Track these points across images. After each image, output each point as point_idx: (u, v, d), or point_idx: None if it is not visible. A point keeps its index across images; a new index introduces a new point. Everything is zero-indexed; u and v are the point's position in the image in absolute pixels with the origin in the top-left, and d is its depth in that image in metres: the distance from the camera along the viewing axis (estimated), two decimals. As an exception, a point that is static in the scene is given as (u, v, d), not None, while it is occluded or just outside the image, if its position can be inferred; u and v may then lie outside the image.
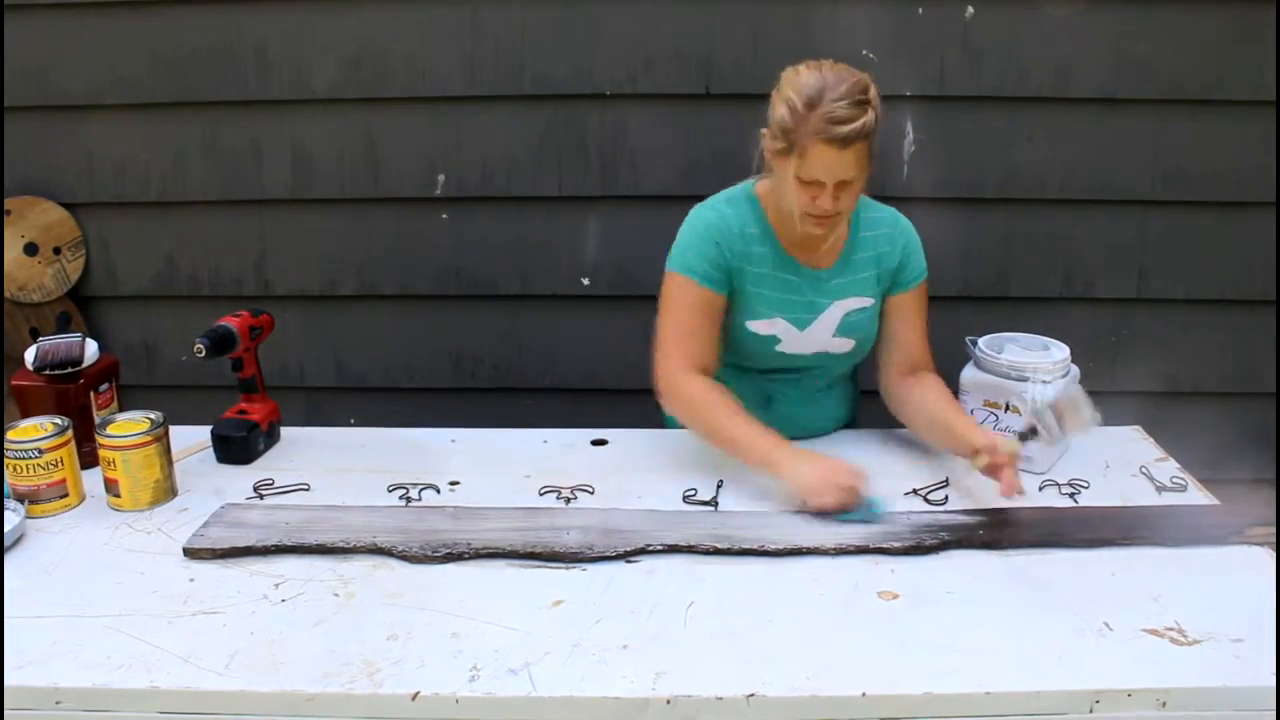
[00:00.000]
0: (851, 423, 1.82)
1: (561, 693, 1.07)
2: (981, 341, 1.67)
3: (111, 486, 1.47)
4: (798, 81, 1.46)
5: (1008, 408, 1.60)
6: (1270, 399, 2.47)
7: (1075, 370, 1.65)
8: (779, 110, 1.48)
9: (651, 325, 2.50)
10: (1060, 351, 1.64)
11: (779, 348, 1.64)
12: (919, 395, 1.63)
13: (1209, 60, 2.28)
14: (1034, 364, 1.60)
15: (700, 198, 2.48)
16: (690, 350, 1.59)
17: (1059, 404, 1.47)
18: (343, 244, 2.48)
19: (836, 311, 1.64)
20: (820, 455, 1.49)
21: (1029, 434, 1.48)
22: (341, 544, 1.35)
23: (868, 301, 1.65)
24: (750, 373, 1.69)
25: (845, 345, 1.66)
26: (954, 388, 1.66)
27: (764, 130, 1.53)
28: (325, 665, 1.11)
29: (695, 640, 1.17)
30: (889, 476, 1.57)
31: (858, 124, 1.41)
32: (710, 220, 1.63)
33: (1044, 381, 1.58)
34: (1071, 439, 1.55)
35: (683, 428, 1.64)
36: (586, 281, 2.48)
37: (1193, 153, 2.35)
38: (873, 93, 1.46)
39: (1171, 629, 1.17)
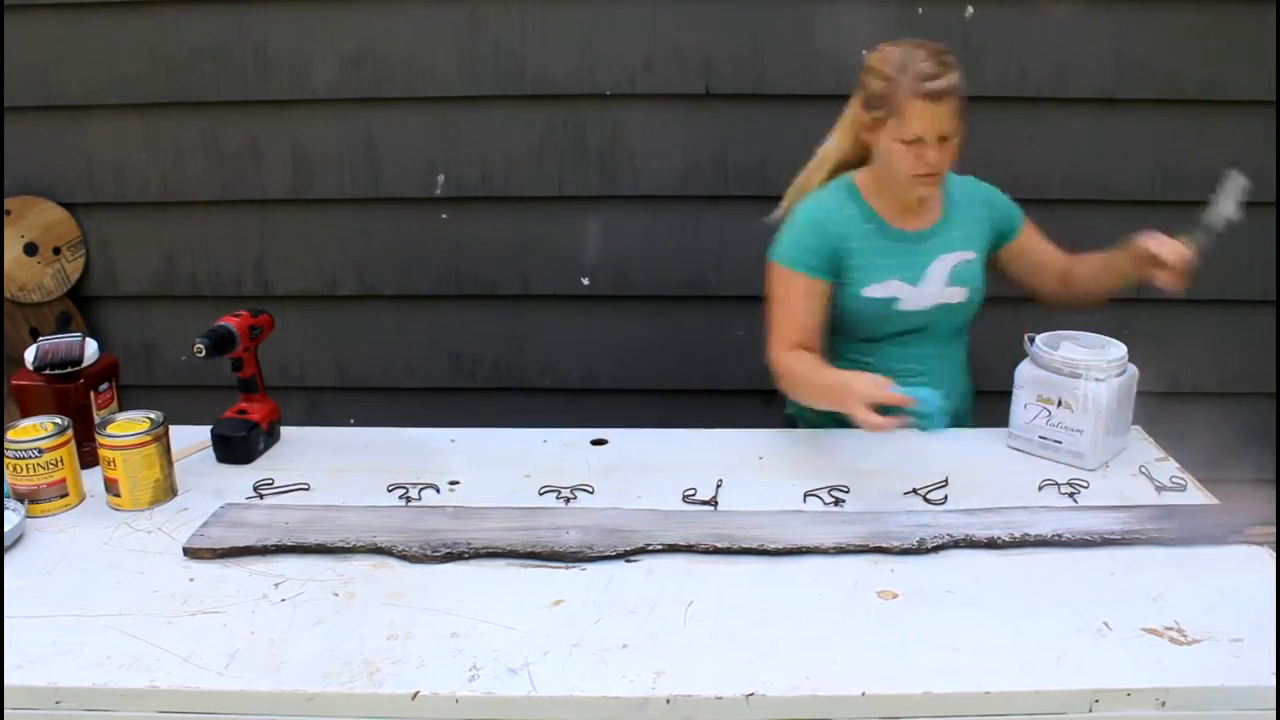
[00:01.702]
0: (970, 404, 1.89)
1: (561, 692, 1.07)
2: (1039, 338, 1.69)
3: (111, 486, 1.47)
4: (883, 56, 1.63)
5: (1060, 403, 1.61)
6: (1270, 399, 2.47)
7: (1133, 370, 1.66)
8: (872, 84, 1.63)
9: (650, 325, 2.52)
10: (1117, 350, 1.65)
11: (898, 307, 1.75)
12: (1077, 268, 1.82)
13: (1209, 60, 2.28)
14: (1088, 361, 1.61)
15: (700, 198, 2.49)
16: (790, 332, 1.71)
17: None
18: (343, 244, 2.49)
19: (945, 263, 1.75)
20: (853, 376, 1.54)
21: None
22: (341, 544, 1.35)
23: (970, 254, 1.78)
24: (872, 343, 1.78)
25: (959, 294, 1.77)
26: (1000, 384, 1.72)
27: (858, 115, 1.69)
28: (325, 665, 1.11)
29: (695, 640, 1.17)
30: (889, 476, 1.57)
31: (947, 79, 1.57)
32: (811, 213, 1.76)
33: (1098, 379, 1.59)
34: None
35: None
36: (586, 281, 2.48)
37: (1193, 153, 2.35)
38: (952, 57, 1.60)
39: (1171, 629, 1.17)
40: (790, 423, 1.90)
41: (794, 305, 1.72)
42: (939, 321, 1.78)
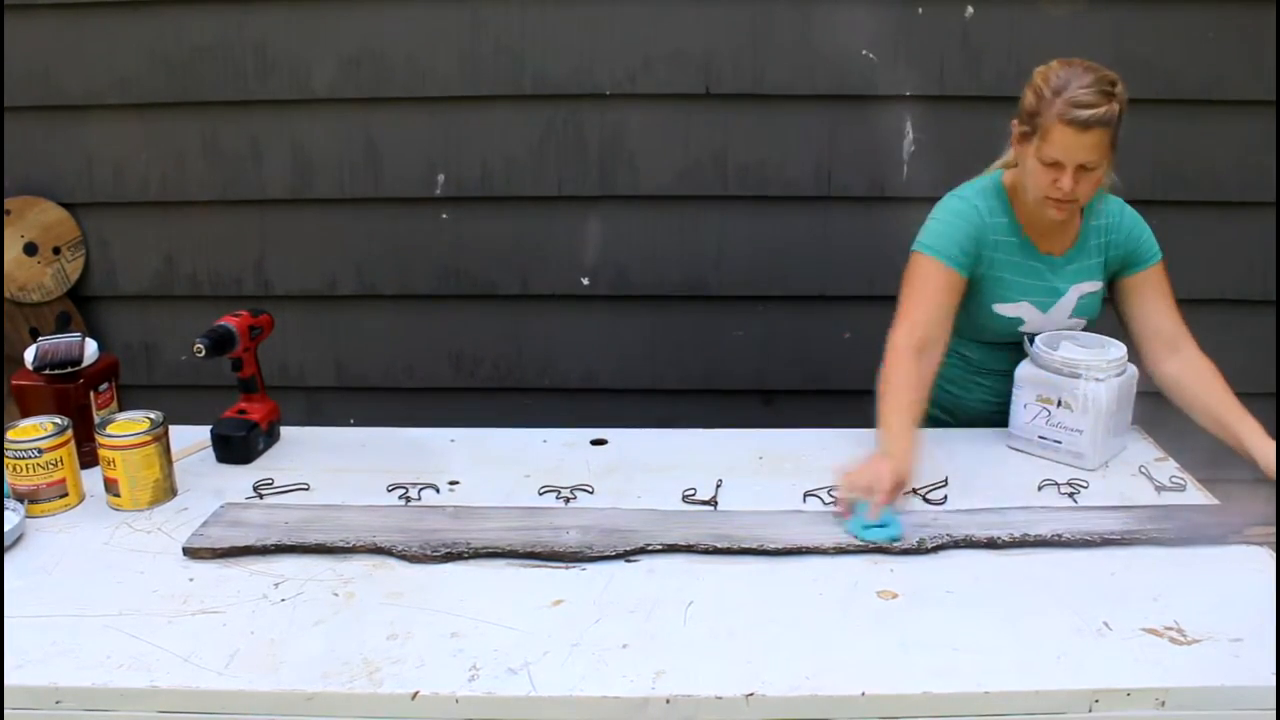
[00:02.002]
0: None
1: (561, 692, 1.07)
2: (1039, 338, 1.68)
3: (111, 486, 1.47)
4: (1048, 72, 1.58)
5: (1060, 403, 1.62)
6: (1270, 399, 2.47)
7: (1133, 369, 1.66)
8: (1027, 97, 1.60)
9: (650, 325, 2.52)
10: (1117, 350, 1.65)
11: (1022, 329, 1.74)
12: (1192, 387, 1.70)
13: (1209, 60, 2.28)
14: (1088, 361, 1.61)
15: (700, 198, 2.49)
16: (919, 323, 1.66)
17: None
18: (343, 244, 2.48)
19: (1074, 295, 1.74)
20: (892, 458, 1.45)
21: None
22: (341, 543, 1.35)
23: (1097, 285, 1.76)
24: (1003, 349, 1.78)
25: (1078, 325, 1.76)
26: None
27: (1014, 120, 1.64)
28: (325, 665, 1.11)
29: (694, 640, 1.17)
30: (889, 476, 1.57)
31: (1099, 110, 1.52)
32: (961, 209, 1.72)
33: (1097, 379, 1.59)
34: None
35: None
36: (586, 281, 2.48)
37: (1193, 153, 2.35)
38: (1120, 89, 1.56)
39: (1171, 628, 1.17)
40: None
41: (929, 296, 1.67)
42: None
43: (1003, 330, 1.75)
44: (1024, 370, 1.68)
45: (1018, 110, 1.63)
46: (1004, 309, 1.73)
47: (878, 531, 1.37)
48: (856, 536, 1.37)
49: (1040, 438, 1.65)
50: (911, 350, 1.61)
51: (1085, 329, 1.76)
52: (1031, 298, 1.72)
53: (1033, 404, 1.65)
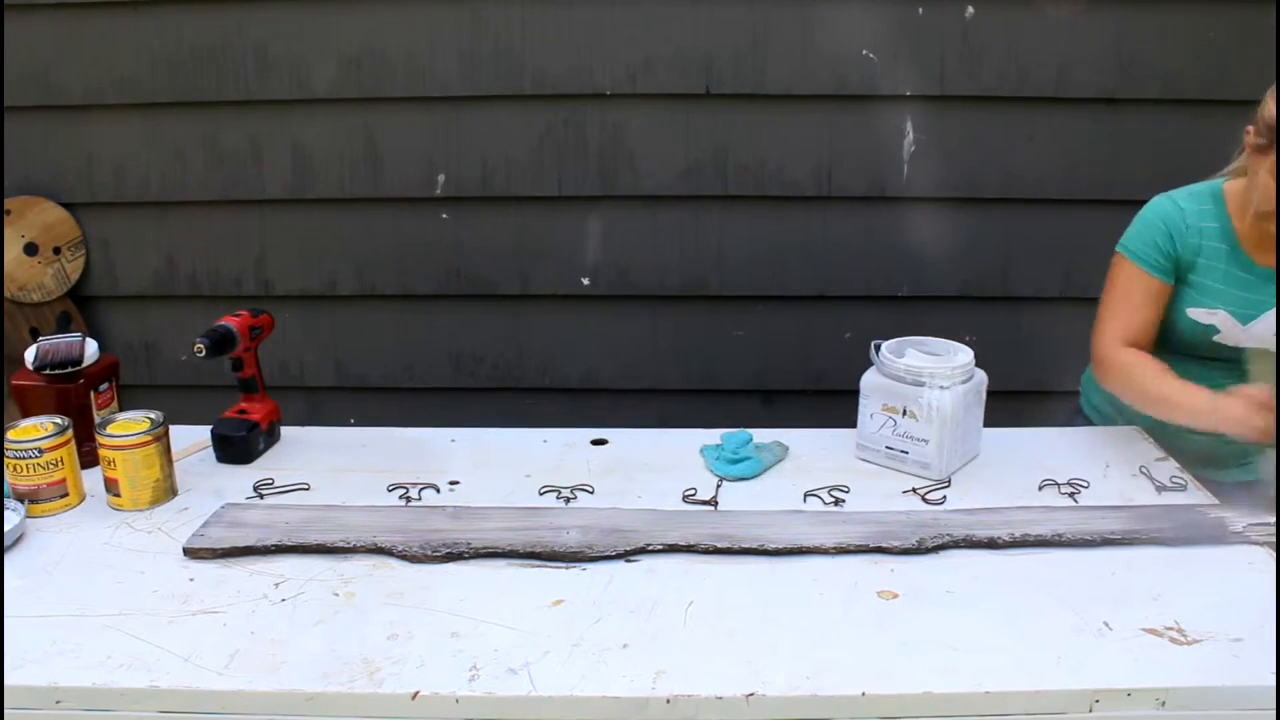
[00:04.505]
0: None
1: (561, 692, 1.07)
2: (885, 345, 1.63)
3: (111, 486, 1.47)
4: None
5: (905, 412, 1.57)
6: (1270, 399, 2.47)
7: (981, 375, 1.62)
8: (1268, 107, 1.54)
9: (650, 325, 2.52)
10: (964, 356, 1.60)
11: (1215, 338, 1.69)
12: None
13: (1209, 60, 2.28)
14: (931, 369, 1.56)
15: (700, 198, 2.49)
16: (1124, 325, 1.68)
17: None
18: (343, 244, 2.49)
19: None
20: (1237, 392, 1.52)
21: None
22: (341, 544, 1.35)
23: None
24: (1183, 358, 1.72)
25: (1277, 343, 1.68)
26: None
27: (1249, 127, 1.59)
28: (325, 665, 1.11)
29: (695, 640, 1.16)
30: (889, 476, 1.58)
31: None
32: (1167, 211, 1.70)
33: (942, 387, 1.55)
34: None
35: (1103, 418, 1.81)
36: (586, 281, 2.48)
37: (1193, 153, 2.34)
38: None
39: (1171, 628, 1.17)
40: (1083, 417, 1.90)
41: (1133, 301, 1.68)
42: (1247, 360, 1.70)
43: (1195, 338, 1.70)
44: (869, 378, 1.62)
45: (1255, 118, 1.58)
46: (1197, 314, 1.68)
47: (736, 466, 1.57)
48: (721, 476, 1.56)
49: (887, 448, 1.60)
50: (1123, 346, 1.67)
51: None
52: (1231, 307, 1.66)
53: (879, 413, 1.60)
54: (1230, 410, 1.51)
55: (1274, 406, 1.46)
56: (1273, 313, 1.66)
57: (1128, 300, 1.70)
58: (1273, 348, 1.68)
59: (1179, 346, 1.73)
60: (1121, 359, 1.68)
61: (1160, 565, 1.32)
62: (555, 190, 2.42)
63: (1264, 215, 1.57)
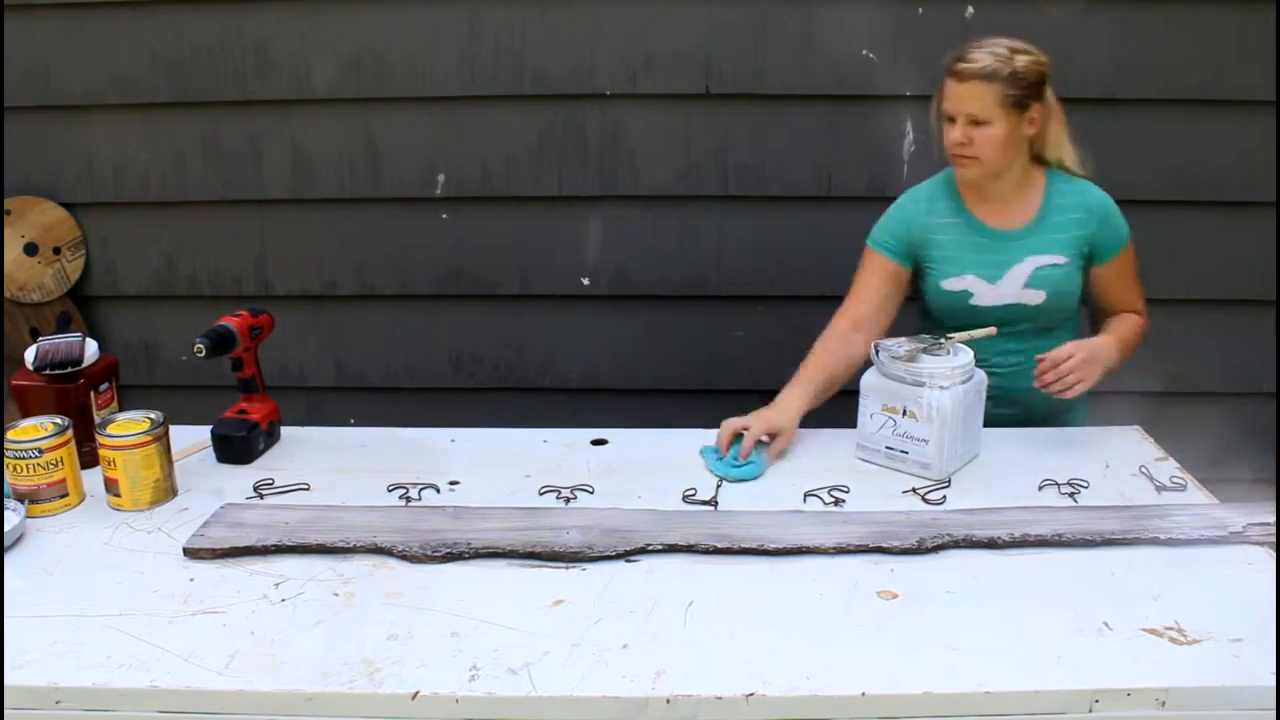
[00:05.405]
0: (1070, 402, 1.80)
1: (561, 692, 1.07)
2: (883, 345, 1.63)
3: (111, 486, 1.47)
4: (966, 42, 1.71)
5: (905, 413, 1.57)
6: (1270, 399, 2.47)
7: (981, 375, 1.63)
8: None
9: (650, 325, 2.52)
10: (963, 357, 1.60)
11: (971, 302, 1.79)
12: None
13: (1209, 60, 2.28)
14: (931, 369, 1.56)
15: (700, 198, 2.49)
16: (851, 304, 1.83)
17: None
18: (343, 244, 2.49)
19: (1027, 266, 1.77)
20: (773, 409, 1.68)
21: None
22: (341, 544, 1.35)
23: (1061, 259, 1.78)
24: (953, 331, 1.77)
25: (1037, 297, 1.78)
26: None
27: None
28: (325, 665, 1.11)
29: (695, 640, 1.17)
30: (889, 476, 1.58)
31: (978, 64, 1.66)
32: (902, 202, 1.87)
33: (942, 387, 1.55)
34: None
35: None
36: (586, 281, 2.48)
37: (1193, 153, 2.35)
38: (1022, 58, 1.68)
39: (1171, 628, 1.17)
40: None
41: (863, 280, 1.84)
42: (1015, 320, 1.79)
43: (955, 306, 1.80)
44: (869, 379, 1.63)
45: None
46: (950, 284, 1.80)
47: (740, 469, 1.58)
48: (723, 476, 1.57)
49: (887, 448, 1.60)
50: (838, 330, 1.80)
51: (1047, 302, 1.77)
52: (976, 271, 1.78)
53: (879, 414, 1.60)
54: (765, 410, 1.67)
55: (730, 428, 1.63)
56: (1018, 267, 1.77)
57: (861, 281, 1.84)
58: (1025, 300, 1.78)
59: (944, 320, 1.83)
60: (820, 339, 1.81)
61: (1160, 565, 1.32)
62: (555, 190, 2.42)
63: (949, 157, 1.74)
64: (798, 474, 1.59)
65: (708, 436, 1.71)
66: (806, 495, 1.51)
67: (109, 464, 1.46)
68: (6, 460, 1.44)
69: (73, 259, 2.48)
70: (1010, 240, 1.78)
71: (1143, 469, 1.61)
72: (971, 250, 1.79)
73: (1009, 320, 1.78)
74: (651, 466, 1.62)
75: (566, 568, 1.32)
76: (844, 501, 1.50)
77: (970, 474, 1.59)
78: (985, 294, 1.78)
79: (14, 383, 1.58)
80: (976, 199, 1.80)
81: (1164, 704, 1.07)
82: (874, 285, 1.83)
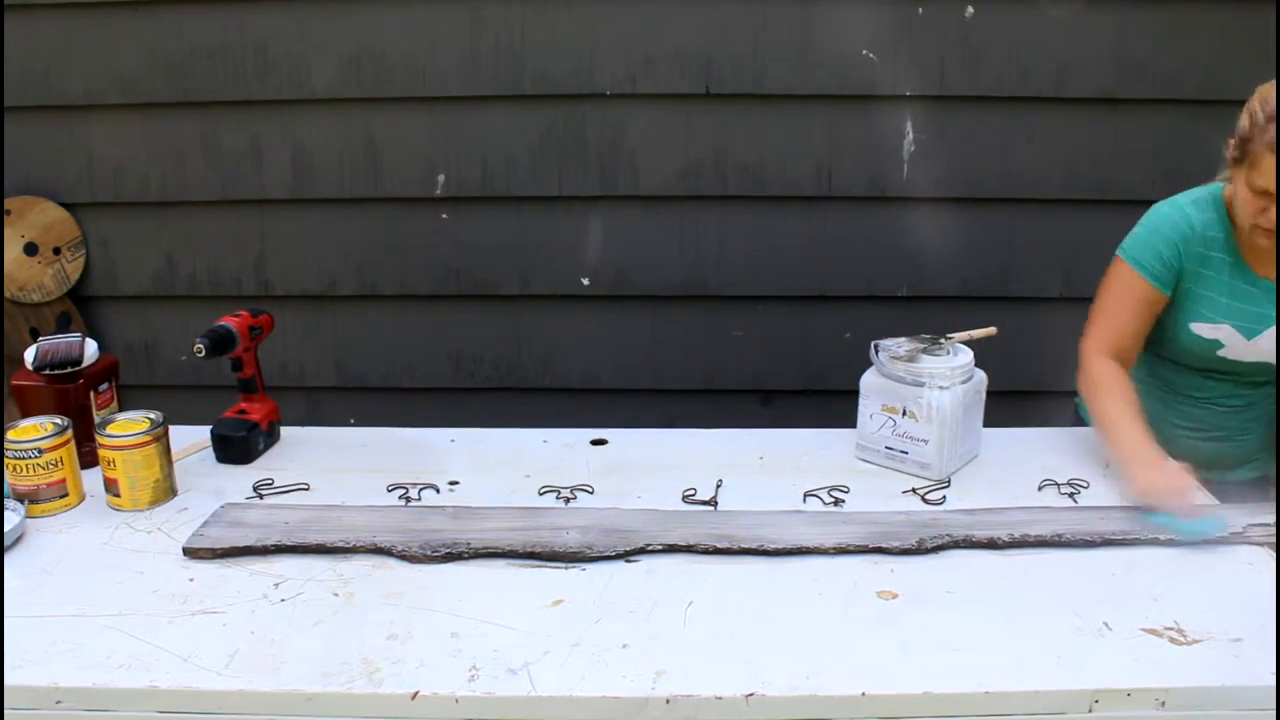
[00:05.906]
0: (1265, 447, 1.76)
1: (561, 692, 1.07)
2: (883, 344, 1.62)
3: (111, 486, 1.47)
4: (1266, 95, 1.50)
5: (905, 413, 1.57)
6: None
7: (981, 375, 1.62)
8: (1242, 119, 1.52)
9: (650, 325, 2.52)
10: (963, 357, 1.60)
11: (1220, 352, 1.65)
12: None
13: (1209, 60, 2.28)
14: (931, 369, 1.56)
15: (700, 198, 2.49)
16: (1110, 333, 1.66)
17: None
18: (343, 244, 2.49)
19: None
20: (1167, 463, 1.48)
21: None
22: (341, 544, 1.35)
23: None
24: (1187, 370, 1.71)
25: None
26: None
27: (1229, 139, 1.56)
28: (325, 665, 1.11)
29: (694, 640, 1.17)
30: (889, 476, 1.58)
31: None
32: (1173, 220, 1.65)
33: (941, 387, 1.55)
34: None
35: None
36: (586, 281, 2.48)
37: (1193, 153, 2.34)
38: None
39: (1171, 629, 1.17)
40: (1078, 417, 1.85)
41: (1125, 309, 1.66)
42: (1255, 374, 1.68)
43: (1200, 353, 1.66)
44: (869, 379, 1.62)
45: (1235, 129, 1.55)
46: (1202, 329, 1.64)
47: (1210, 524, 1.38)
48: (1208, 534, 1.37)
49: (887, 448, 1.60)
50: (1103, 356, 1.64)
51: None
52: (1236, 321, 1.62)
53: (879, 414, 1.60)
54: (1144, 478, 1.46)
55: (1185, 491, 1.44)
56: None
57: (1121, 306, 1.66)
58: (1274, 361, 1.65)
59: (1183, 360, 1.70)
60: (1094, 369, 1.65)
61: (1160, 565, 1.32)
62: (555, 190, 2.42)
63: (1249, 230, 1.55)
64: (798, 474, 1.59)
65: (708, 436, 1.72)
66: (806, 495, 1.51)
67: (109, 464, 1.46)
68: (6, 460, 1.44)
69: (73, 259, 2.48)
70: (1271, 294, 1.61)
71: (1143, 469, 1.60)
72: (1234, 298, 1.62)
73: (1248, 374, 1.68)
74: (651, 466, 1.62)
75: (566, 568, 1.32)
76: (844, 501, 1.50)
77: (970, 474, 1.59)
78: (1239, 348, 1.63)
79: (14, 383, 1.58)
80: (1249, 241, 1.60)
81: (1164, 704, 1.07)
82: (1136, 312, 1.65)
